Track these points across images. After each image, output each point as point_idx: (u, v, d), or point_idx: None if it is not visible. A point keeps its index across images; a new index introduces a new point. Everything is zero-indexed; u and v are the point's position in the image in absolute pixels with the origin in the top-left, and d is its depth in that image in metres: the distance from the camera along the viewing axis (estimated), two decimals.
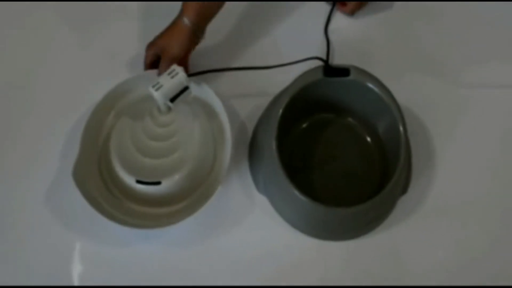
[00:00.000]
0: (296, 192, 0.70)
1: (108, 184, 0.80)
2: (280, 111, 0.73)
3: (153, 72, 0.80)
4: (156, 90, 0.76)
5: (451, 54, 0.90)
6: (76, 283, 0.77)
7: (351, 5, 0.91)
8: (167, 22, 0.80)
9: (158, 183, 0.75)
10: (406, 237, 0.78)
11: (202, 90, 0.82)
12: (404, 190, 0.79)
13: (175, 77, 0.76)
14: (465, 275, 0.77)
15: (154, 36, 0.81)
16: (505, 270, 0.77)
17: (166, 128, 0.81)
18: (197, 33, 0.78)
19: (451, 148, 0.83)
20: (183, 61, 0.81)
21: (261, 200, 0.80)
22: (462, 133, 0.84)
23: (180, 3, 0.78)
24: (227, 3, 0.79)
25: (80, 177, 0.76)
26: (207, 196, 0.74)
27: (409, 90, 0.84)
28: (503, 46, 0.91)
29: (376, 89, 0.74)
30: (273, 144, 0.72)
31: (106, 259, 0.78)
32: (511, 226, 0.80)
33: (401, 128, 0.73)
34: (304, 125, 0.84)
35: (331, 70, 0.74)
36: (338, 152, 0.83)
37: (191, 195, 0.79)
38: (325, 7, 0.94)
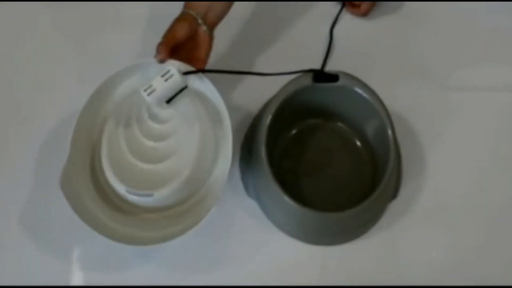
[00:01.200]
0: (285, 198, 0.71)
1: (105, 191, 0.74)
2: (270, 117, 0.74)
3: (148, 60, 0.72)
4: (148, 95, 0.69)
5: (440, 58, 0.90)
6: None
7: (365, 5, 0.89)
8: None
9: (150, 195, 0.69)
10: (398, 240, 0.79)
11: (206, 88, 0.74)
12: (394, 194, 0.80)
13: (170, 79, 0.70)
14: (457, 276, 0.77)
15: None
16: (495, 271, 0.78)
17: (163, 125, 0.73)
18: (197, 20, 0.73)
19: (441, 152, 0.84)
20: (200, 62, 0.75)
21: (251, 205, 0.80)
22: (452, 137, 0.85)
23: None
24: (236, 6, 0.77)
25: (70, 187, 0.70)
26: (202, 208, 0.71)
27: (399, 95, 0.84)
28: (492, 49, 0.91)
29: (364, 94, 0.74)
30: (262, 150, 0.73)
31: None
32: (501, 228, 0.80)
33: (389, 132, 0.73)
34: (294, 131, 0.84)
35: (321, 76, 0.75)
36: (328, 157, 0.83)
37: (186, 202, 0.74)
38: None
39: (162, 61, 0.70)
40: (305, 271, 0.78)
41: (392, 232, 0.79)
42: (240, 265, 0.78)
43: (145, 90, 0.70)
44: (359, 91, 0.75)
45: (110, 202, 0.74)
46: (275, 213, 0.78)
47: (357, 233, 0.78)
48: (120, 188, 0.70)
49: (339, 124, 0.84)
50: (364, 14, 0.91)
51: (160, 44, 0.70)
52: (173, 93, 0.72)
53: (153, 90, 0.70)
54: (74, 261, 0.78)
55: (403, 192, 0.81)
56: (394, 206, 0.80)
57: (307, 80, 0.75)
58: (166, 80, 0.70)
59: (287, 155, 0.82)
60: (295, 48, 0.90)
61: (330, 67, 0.80)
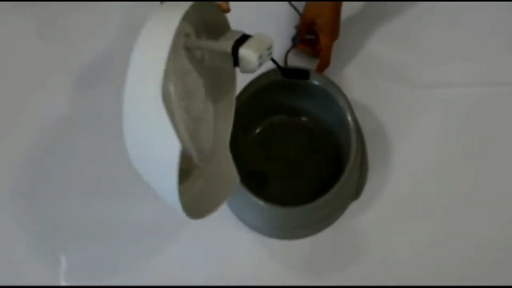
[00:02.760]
0: (248, 193, 0.70)
1: None
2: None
3: None
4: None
5: (409, 54, 0.90)
6: None
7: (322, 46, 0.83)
8: None
9: None
10: (364, 233, 0.78)
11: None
12: (358, 190, 0.78)
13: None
14: (425, 271, 0.76)
15: None
16: (457, 262, 0.77)
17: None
18: None
19: (408, 147, 0.83)
20: None
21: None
22: (420, 131, 0.84)
23: None
24: None
25: None
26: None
27: (367, 92, 0.85)
28: (460, 46, 0.91)
29: (324, 86, 0.75)
30: None
31: None
32: (470, 224, 0.79)
33: (349, 118, 0.73)
34: (259, 129, 0.84)
35: (288, 72, 0.75)
36: (294, 153, 0.83)
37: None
38: None
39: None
40: (270, 266, 0.77)
41: (358, 224, 0.79)
42: (209, 264, 0.78)
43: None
44: (317, 83, 0.75)
45: None
46: (242, 209, 0.78)
47: (321, 226, 0.78)
48: None
49: (303, 118, 0.84)
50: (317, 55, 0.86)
51: None
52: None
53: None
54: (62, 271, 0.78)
55: (370, 186, 0.80)
56: (359, 200, 0.79)
57: (272, 76, 0.75)
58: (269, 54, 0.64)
59: (252, 153, 0.82)
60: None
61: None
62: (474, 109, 0.86)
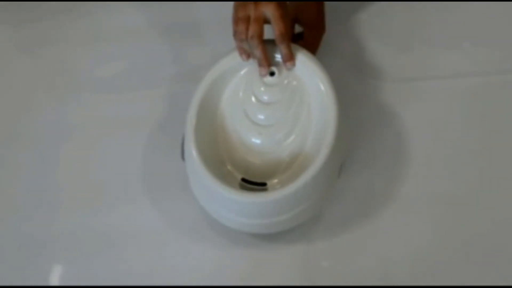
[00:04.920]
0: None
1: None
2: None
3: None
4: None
5: (391, 49, 0.89)
6: None
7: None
8: None
9: None
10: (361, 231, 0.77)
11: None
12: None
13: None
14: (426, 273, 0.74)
15: None
16: (458, 265, 0.75)
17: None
18: None
19: (393, 142, 0.82)
20: None
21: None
22: (407, 127, 0.83)
23: None
24: None
25: None
26: None
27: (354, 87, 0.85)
28: (445, 40, 0.90)
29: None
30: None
31: None
32: (462, 222, 0.77)
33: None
34: None
35: None
36: None
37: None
38: None
39: None
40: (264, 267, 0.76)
41: (356, 224, 0.78)
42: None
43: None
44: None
45: None
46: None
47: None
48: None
49: None
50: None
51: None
52: None
53: None
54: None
55: (364, 183, 0.79)
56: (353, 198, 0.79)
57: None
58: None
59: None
60: None
61: None
62: (459, 101, 0.85)
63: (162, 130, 0.84)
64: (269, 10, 0.67)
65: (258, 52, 0.69)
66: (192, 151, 0.69)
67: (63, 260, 0.79)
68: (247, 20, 0.68)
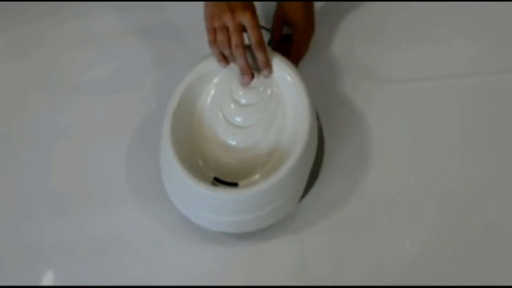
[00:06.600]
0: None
1: None
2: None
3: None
4: None
5: (381, 51, 0.89)
6: None
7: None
8: None
9: None
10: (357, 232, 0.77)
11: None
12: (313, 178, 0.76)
13: None
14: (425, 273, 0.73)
15: None
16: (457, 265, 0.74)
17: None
18: None
19: (386, 142, 0.81)
20: None
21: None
22: (396, 127, 0.83)
23: None
24: None
25: None
26: None
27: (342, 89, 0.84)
28: (432, 41, 0.89)
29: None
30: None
31: None
32: (456, 222, 0.76)
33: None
34: None
35: None
36: None
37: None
38: None
39: None
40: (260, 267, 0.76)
41: (355, 222, 0.77)
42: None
43: None
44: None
45: None
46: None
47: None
48: None
49: None
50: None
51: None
52: None
53: None
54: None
55: (355, 183, 0.79)
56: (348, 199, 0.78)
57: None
58: None
59: None
60: None
61: None
62: (450, 102, 0.84)
63: (148, 133, 0.84)
64: (246, 19, 0.69)
65: (242, 60, 0.70)
66: (167, 144, 0.70)
67: (55, 264, 0.78)
68: (225, 29, 0.69)
